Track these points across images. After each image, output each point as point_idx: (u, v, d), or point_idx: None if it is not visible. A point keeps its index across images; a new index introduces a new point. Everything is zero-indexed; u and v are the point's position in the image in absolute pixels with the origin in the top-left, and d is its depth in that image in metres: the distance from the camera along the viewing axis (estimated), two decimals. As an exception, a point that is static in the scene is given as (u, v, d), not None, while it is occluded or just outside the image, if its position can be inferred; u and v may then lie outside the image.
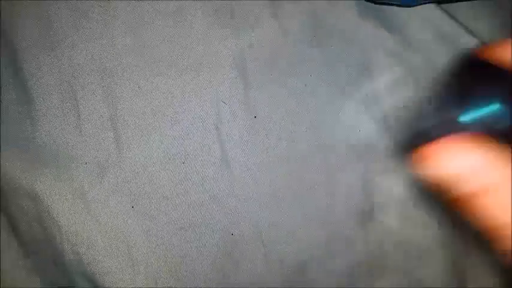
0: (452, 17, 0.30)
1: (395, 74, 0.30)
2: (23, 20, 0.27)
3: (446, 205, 0.16)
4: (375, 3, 0.30)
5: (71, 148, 0.27)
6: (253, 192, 0.28)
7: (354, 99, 0.29)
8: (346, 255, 0.28)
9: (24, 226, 0.26)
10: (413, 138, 0.18)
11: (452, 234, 0.29)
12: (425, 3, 0.30)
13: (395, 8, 0.30)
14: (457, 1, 0.31)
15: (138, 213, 0.27)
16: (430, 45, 0.31)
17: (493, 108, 0.16)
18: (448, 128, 0.16)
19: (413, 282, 0.29)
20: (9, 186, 0.26)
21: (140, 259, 0.26)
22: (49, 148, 0.26)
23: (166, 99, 0.28)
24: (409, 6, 0.30)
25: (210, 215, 0.27)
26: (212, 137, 0.28)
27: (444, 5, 0.30)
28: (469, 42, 0.31)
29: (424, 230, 0.29)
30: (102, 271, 0.26)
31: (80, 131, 0.27)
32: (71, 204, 0.26)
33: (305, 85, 0.29)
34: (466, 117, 0.16)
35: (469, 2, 0.31)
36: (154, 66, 0.28)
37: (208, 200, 0.27)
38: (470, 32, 0.31)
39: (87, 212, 0.26)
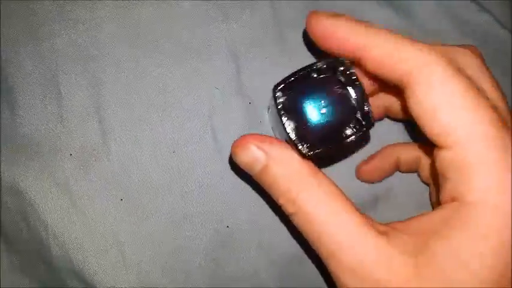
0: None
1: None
2: (2, 4, 0.26)
3: None
4: None
5: (55, 139, 0.25)
6: (247, 182, 0.26)
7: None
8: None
9: (8, 223, 0.25)
10: None
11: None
12: None
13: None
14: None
15: (127, 206, 0.25)
16: (440, 25, 0.29)
17: None
18: None
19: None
20: (-9, 181, 0.25)
21: (131, 254, 0.25)
22: (31, 140, 0.25)
23: (154, 87, 0.26)
24: None
25: (203, 207, 0.26)
26: (203, 124, 0.26)
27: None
28: (483, 21, 0.29)
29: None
30: (91, 268, 0.25)
31: (64, 121, 0.25)
32: (56, 198, 0.25)
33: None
34: None
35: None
36: (140, 53, 0.26)
37: (200, 190, 0.26)
38: (485, 10, 0.29)
39: (73, 207, 0.25)
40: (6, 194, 0.25)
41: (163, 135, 0.26)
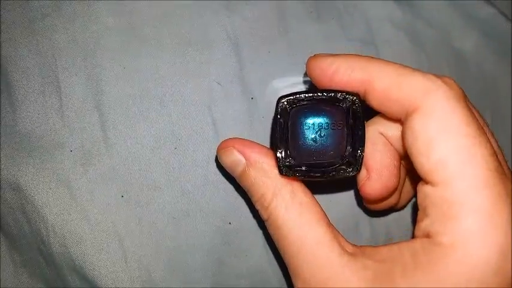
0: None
1: (404, 49, 0.28)
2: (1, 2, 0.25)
3: None
4: None
5: (55, 135, 0.25)
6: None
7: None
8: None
9: (9, 219, 0.25)
10: None
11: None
12: None
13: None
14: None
15: (128, 202, 0.25)
16: (445, 18, 0.29)
17: None
18: None
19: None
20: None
21: (132, 251, 0.25)
22: (31, 135, 0.25)
23: (154, 81, 0.26)
24: None
25: (205, 203, 0.26)
26: (205, 120, 0.26)
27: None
28: (487, 14, 0.29)
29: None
30: (92, 264, 0.24)
31: (64, 117, 0.25)
32: (56, 194, 0.25)
33: (304, 62, 0.27)
34: None
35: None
36: (139, 46, 0.26)
37: (202, 187, 0.26)
38: (489, 3, 0.29)
39: (73, 203, 0.25)
40: (6, 190, 0.25)
41: (164, 130, 0.26)
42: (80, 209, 0.25)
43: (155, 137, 0.26)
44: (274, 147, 0.20)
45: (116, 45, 0.26)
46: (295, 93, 0.20)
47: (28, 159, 0.25)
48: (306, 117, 0.20)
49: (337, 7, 0.28)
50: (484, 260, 0.17)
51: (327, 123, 0.20)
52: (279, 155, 0.20)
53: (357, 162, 0.20)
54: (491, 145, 0.18)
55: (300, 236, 0.19)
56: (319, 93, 0.20)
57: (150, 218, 0.25)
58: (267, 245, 0.26)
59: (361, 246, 0.20)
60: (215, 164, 0.26)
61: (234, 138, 0.22)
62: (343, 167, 0.20)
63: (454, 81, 0.19)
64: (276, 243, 0.21)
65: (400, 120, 0.19)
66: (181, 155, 0.26)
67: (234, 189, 0.26)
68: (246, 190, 0.22)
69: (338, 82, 0.20)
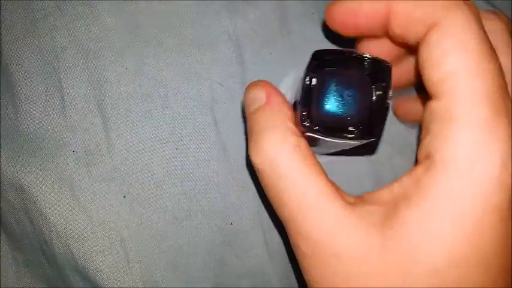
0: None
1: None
2: (2, 1, 0.25)
3: None
4: None
5: (57, 135, 0.25)
6: (252, 179, 0.26)
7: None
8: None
9: (11, 219, 0.25)
10: None
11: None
12: None
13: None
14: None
15: (130, 203, 0.25)
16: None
17: None
18: None
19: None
20: (-7, 177, 0.25)
21: (134, 251, 0.25)
22: (34, 135, 0.25)
23: (156, 82, 0.26)
24: None
25: (207, 203, 0.26)
26: (207, 120, 0.26)
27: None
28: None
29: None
30: (94, 265, 0.25)
31: (66, 117, 0.25)
32: (59, 195, 0.25)
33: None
34: None
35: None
36: (142, 47, 0.26)
37: (204, 187, 0.26)
38: (489, 4, 0.29)
39: (76, 203, 0.25)
40: (9, 190, 0.25)
41: (166, 131, 0.26)
42: (82, 209, 0.25)
43: (157, 137, 0.26)
44: (297, 105, 0.20)
45: (118, 46, 0.26)
46: (331, 52, 0.20)
47: (31, 160, 0.25)
48: (335, 78, 0.20)
49: None
50: (487, 175, 0.16)
51: (355, 88, 0.20)
52: (299, 114, 0.20)
53: (376, 135, 0.20)
54: (500, 65, 0.17)
55: (301, 187, 0.18)
56: (354, 55, 0.20)
57: (152, 218, 0.25)
58: (268, 246, 0.26)
59: (361, 196, 0.19)
60: (217, 164, 0.26)
61: (264, 80, 0.21)
62: (361, 132, 0.20)
63: (472, 3, 0.18)
64: (269, 196, 0.20)
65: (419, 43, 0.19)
66: (183, 155, 0.26)
67: (235, 189, 0.26)
68: (251, 127, 0.21)
69: (364, 19, 0.20)
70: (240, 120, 0.26)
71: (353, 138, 0.20)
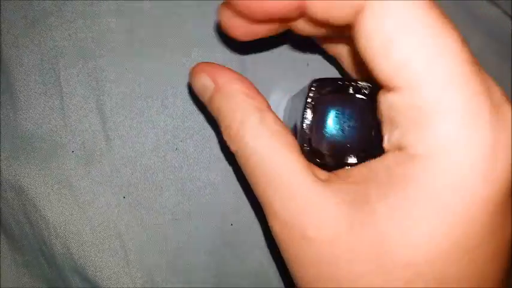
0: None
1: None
2: (1, 0, 0.25)
3: None
4: None
5: (56, 135, 0.25)
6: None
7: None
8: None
9: (10, 220, 0.25)
10: None
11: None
12: None
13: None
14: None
15: (129, 204, 0.25)
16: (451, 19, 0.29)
17: None
18: None
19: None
20: (-8, 178, 0.25)
21: (134, 252, 0.25)
22: (33, 135, 0.25)
23: (156, 82, 0.26)
24: None
25: (207, 204, 0.26)
26: (207, 120, 0.26)
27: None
28: (492, 14, 0.28)
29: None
30: (93, 266, 0.25)
31: (65, 117, 0.25)
32: (58, 195, 0.25)
33: (307, 64, 0.26)
34: None
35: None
36: (141, 47, 0.26)
37: (203, 188, 0.26)
38: (494, 3, 0.28)
39: (75, 204, 0.25)
40: (8, 190, 0.25)
41: (165, 131, 0.26)
42: (81, 210, 0.25)
43: (157, 137, 0.26)
44: (300, 127, 0.20)
45: (118, 45, 0.26)
46: (330, 80, 0.19)
47: (30, 160, 0.25)
48: (335, 106, 0.20)
49: None
50: (470, 166, 0.14)
51: (355, 116, 0.19)
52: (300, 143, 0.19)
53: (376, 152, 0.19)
54: (460, 34, 0.15)
55: (271, 165, 0.17)
56: (352, 83, 0.19)
57: (152, 219, 0.25)
58: (268, 246, 0.26)
59: (335, 172, 0.18)
60: (216, 165, 0.26)
61: (205, 62, 0.20)
62: (361, 157, 0.19)
63: None
64: (247, 178, 0.19)
65: (350, 27, 0.16)
66: (182, 155, 0.26)
67: (235, 190, 0.26)
68: (215, 117, 0.20)
69: (270, 8, 0.17)
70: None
71: (355, 165, 0.19)
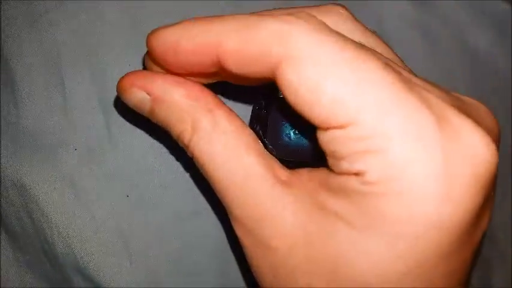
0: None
1: (417, 46, 0.28)
2: (2, -2, 0.25)
3: None
4: None
5: (59, 133, 0.24)
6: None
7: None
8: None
9: (12, 218, 0.25)
10: None
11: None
12: None
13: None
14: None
15: (133, 202, 0.25)
16: (460, 16, 0.28)
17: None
18: None
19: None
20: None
21: (137, 251, 0.25)
22: (35, 133, 0.24)
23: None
24: None
25: (212, 202, 0.25)
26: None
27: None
28: (503, 10, 0.28)
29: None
30: (96, 265, 0.24)
31: (68, 114, 0.25)
32: (60, 194, 0.24)
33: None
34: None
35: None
36: (143, 42, 0.25)
37: (208, 186, 0.25)
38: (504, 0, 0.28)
39: (78, 202, 0.24)
40: (10, 188, 0.24)
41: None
42: (84, 209, 0.24)
43: (161, 135, 0.25)
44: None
45: (121, 41, 0.25)
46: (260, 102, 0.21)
47: (32, 158, 0.24)
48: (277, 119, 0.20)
49: (347, 3, 0.28)
50: (421, 190, 0.14)
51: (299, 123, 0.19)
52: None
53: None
54: (380, 56, 0.15)
55: (228, 170, 0.17)
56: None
57: (156, 218, 0.25)
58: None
59: (297, 170, 0.18)
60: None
61: (132, 73, 0.19)
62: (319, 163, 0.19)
63: (308, 13, 0.16)
64: (209, 183, 0.18)
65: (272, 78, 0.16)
66: (187, 154, 0.25)
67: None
68: (164, 129, 0.19)
69: (185, 57, 0.17)
70: (244, 117, 0.26)
71: (313, 165, 0.18)
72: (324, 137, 0.16)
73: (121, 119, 0.25)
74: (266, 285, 0.17)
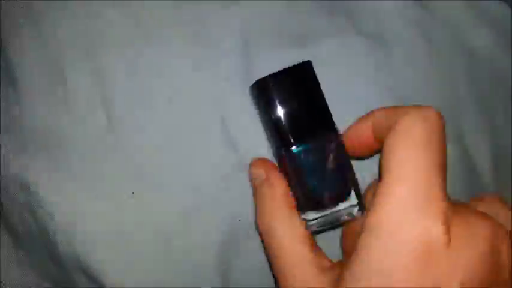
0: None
1: (416, 46, 0.28)
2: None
3: None
4: None
5: (61, 130, 0.25)
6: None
7: (365, 74, 0.27)
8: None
9: (16, 217, 0.25)
10: None
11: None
12: None
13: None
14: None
15: (136, 200, 0.25)
16: (458, 16, 0.28)
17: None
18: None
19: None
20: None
21: (140, 250, 0.25)
22: (38, 131, 0.24)
23: (161, 76, 0.25)
24: None
25: (215, 200, 0.25)
26: (213, 116, 0.26)
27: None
28: (502, 11, 0.28)
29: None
30: (99, 264, 0.24)
31: (70, 112, 0.25)
32: (63, 192, 0.24)
33: (314, 57, 0.26)
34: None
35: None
36: (146, 41, 0.25)
37: (212, 184, 0.25)
38: (504, 0, 0.28)
39: (80, 201, 0.24)
40: (14, 186, 0.24)
41: (172, 126, 0.25)
42: (87, 207, 0.24)
43: (163, 133, 0.25)
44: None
45: (122, 39, 0.25)
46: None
47: (34, 156, 0.24)
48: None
49: (348, 2, 0.28)
50: (413, 237, 0.19)
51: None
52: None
53: (358, 201, 0.22)
54: (438, 157, 0.20)
55: (286, 254, 0.22)
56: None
57: (159, 216, 0.25)
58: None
59: (339, 261, 0.22)
60: (225, 160, 0.26)
61: (262, 159, 0.25)
62: (348, 208, 0.22)
63: (436, 113, 0.21)
64: (267, 253, 0.23)
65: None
66: (190, 151, 0.25)
67: (243, 186, 0.26)
68: (256, 200, 0.24)
69: (368, 142, 0.23)
70: (247, 115, 0.26)
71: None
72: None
73: (123, 117, 0.25)
74: None
